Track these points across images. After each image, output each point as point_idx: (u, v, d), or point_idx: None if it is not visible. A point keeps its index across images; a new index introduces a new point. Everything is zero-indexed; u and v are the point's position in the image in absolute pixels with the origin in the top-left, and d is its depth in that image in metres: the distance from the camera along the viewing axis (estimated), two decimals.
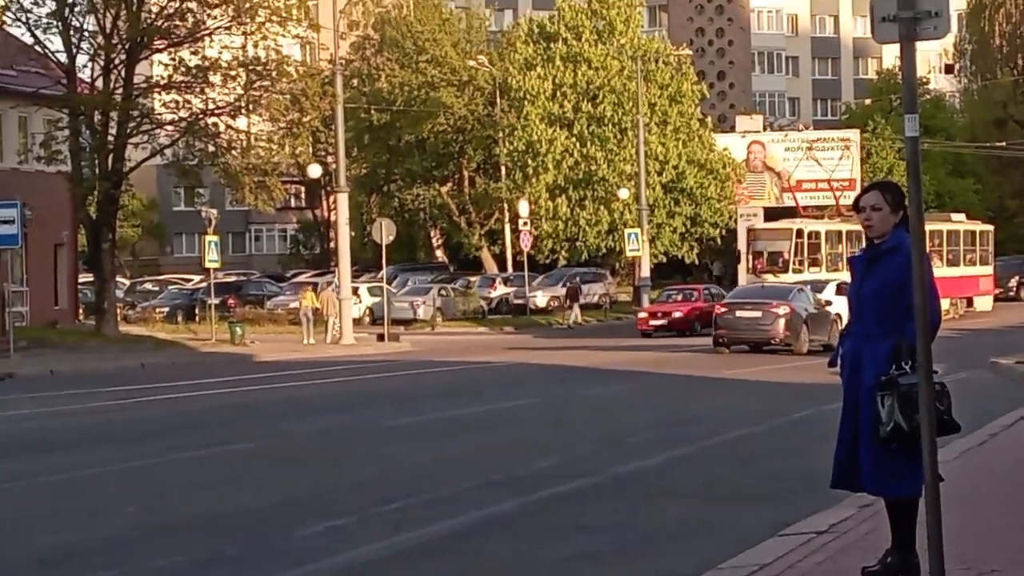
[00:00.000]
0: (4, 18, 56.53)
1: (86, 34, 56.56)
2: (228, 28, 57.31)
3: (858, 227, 46.29)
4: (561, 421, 26.36)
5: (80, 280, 63.31)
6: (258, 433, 24.11)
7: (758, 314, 45.39)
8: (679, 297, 63.75)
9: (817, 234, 63.17)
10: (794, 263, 60.54)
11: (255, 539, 13.48)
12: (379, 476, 18.20)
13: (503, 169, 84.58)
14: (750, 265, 63.13)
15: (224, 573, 11.77)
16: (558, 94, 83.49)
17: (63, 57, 56.19)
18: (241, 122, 59.96)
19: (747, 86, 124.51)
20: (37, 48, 56.48)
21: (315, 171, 72.93)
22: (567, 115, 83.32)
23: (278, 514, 14.98)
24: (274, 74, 58.01)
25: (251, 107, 59.08)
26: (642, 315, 62.67)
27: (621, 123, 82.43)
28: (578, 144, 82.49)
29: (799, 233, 62.21)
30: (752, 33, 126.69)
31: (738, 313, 46.34)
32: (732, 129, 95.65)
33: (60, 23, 55.80)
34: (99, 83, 56.23)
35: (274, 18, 56.91)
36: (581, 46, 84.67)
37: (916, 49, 9.60)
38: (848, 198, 76.07)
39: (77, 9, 56.00)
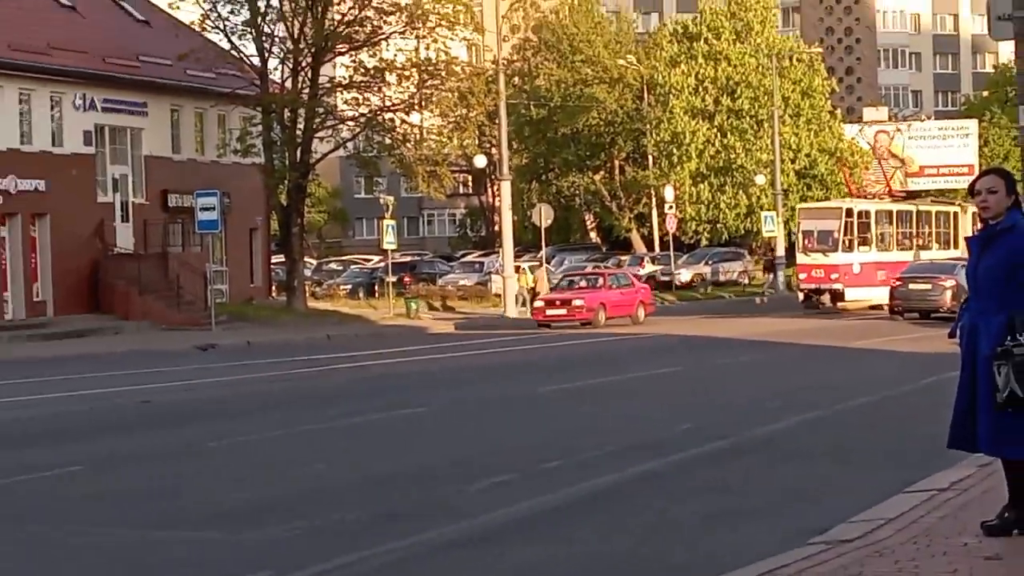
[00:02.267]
0: (204, 26, 57.37)
1: (276, 39, 57.29)
2: (402, 33, 57.82)
3: (909, 207, 50.43)
4: (698, 388, 26.08)
5: (272, 260, 63.98)
6: (431, 398, 24.22)
7: (928, 287, 46.45)
8: (583, 283, 53.26)
9: (867, 213, 58.18)
10: (844, 242, 55.82)
11: (431, 494, 13.58)
12: (538, 438, 18.24)
13: (650, 158, 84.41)
14: (801, 244, 58.70)
15: (403, 526, 11.82)
16: (700, 89, 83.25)
17: (256, 60, 56.95)
18: (414, 117, 60.39)
19: (873, 80, 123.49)
20: (233, 53, 57.20)
21: (481, 161, 73.28)
22: (708, 108, 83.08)
23: (450, 472, 15.09)
24: (443, 74, 58.44)
25: (423, 104, 59.51)
26: (538, 304, 51.82)
27: (757, 115, 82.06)
28: (718, 135, 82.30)
29: (848, 212, 57.23)
30: (878, 31, 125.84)
31: (911, 286, 47.51)
32: (859, 120, 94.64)
33: (253, 30, 56.61)
34: (288, 83, 56.95)
35: (444, 23, 57.35)
36: (721, 45, 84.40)
37: None
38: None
39: (268, 17, 56.80)
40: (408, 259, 77.76)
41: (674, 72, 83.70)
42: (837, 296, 54.67)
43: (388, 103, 58.28)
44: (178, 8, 58.10)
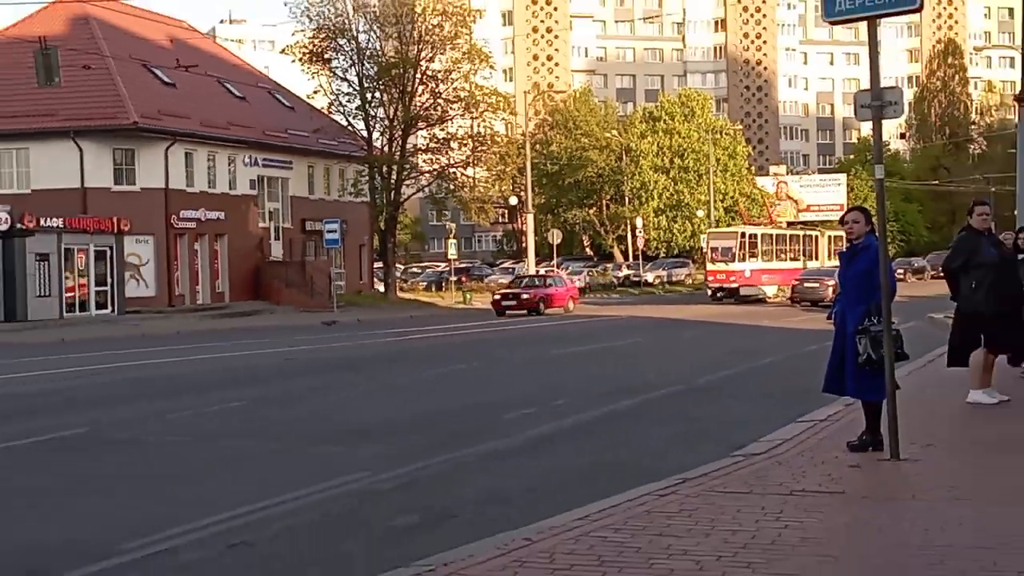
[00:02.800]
0: (330, 110, 57.70)
1: (378, 119, 57.50)
2: (461, 115, 57.92)
3: (784, 231, 49.36)
4: (659, 352, 26.02)
5: (374, 265, 64.13)
6: (479, 358, 24.14)
7: (817, 284, 45.98)
8: (527, 283, 48.78)
9: (755, 235, 55.46)
10: (739, 255, 53.06)
11: (478, 422, 13.54)
12: (550, 384, 18.08)
13: (626, 199, 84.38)
14: (709, 256, 55.50)
15: (461, 442, 11.84)
16: (660, 153, 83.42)
17: (364, 133, 57.19)
18: (469, 171, 60.47)
19: (776, 148, 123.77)
20: (349, 128, 57.41)
21: (513, 200, 73.45)
22: (665, 166, 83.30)
23: (490, 407, 15.01)
24: (489, 142, 58.64)
25: (475, 162, 59.66)
26: (496, 297, 47.50)
27: (698, 170, 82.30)
28: (672, 183, 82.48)
29: (743, 235, 54.66)
30: (780, 115, 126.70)
31: (805, 284, 47.35)
32: (767, 173, 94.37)
33: (363, 113, 56.95)
34: (386, 148, 57.14)
35: (489, 109, 57.55)
36: (674, 124, 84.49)
37: (882, 124, 9.46)
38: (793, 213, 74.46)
39: (372, 104, 57.05)
40: (464, 265, 77.71)
41: (643, 142, 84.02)
42: (733, 292, 53.13)
43: (451, 162, 58.56)
44: (313, 98, 58.48)
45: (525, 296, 46.26)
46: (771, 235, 57.96)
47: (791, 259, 57.91)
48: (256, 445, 12.12)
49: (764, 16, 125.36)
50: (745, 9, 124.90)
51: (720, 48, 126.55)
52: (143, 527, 7.89)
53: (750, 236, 55.21)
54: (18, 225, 40.53)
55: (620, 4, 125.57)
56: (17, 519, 8.57)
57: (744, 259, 53.58)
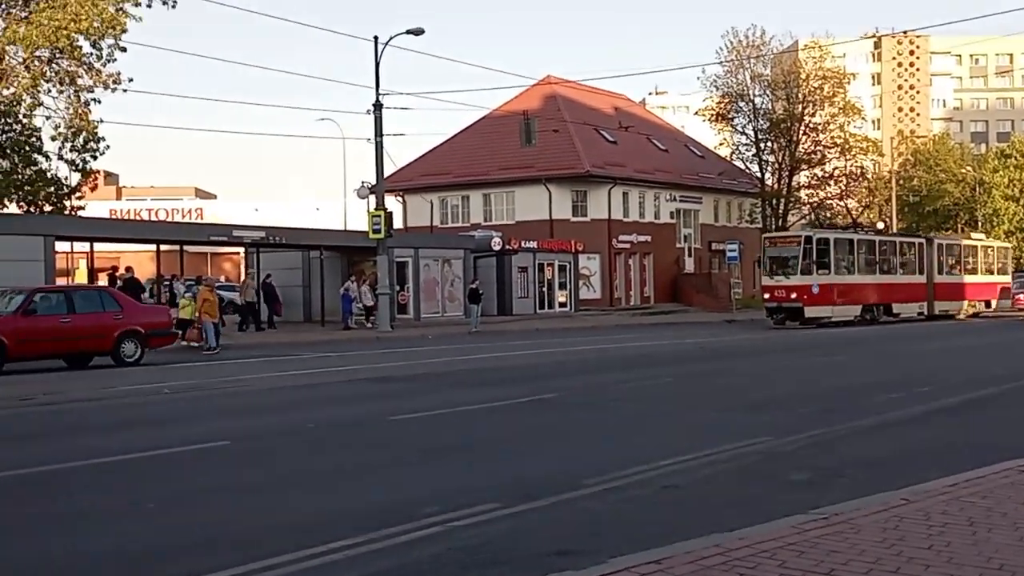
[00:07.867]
0: (732, 158, 56.93)
1: (768, 163, 55.90)
2: (837, 157, 55.32)
3: (871, 238, 33.51)
4: (1006, 350, 23.35)
5: None
6: (854, 349, 22.68)
7: None
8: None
9: (826, 240, 34.88)
10: (802, 266, 33.79)
11: (851, 402, 12.70)
12: (912, 373, 16.72)
13: (979, 223, 76.77)
14: (767, 269, 35.56)
15: (834, 417, 11.21)
16: (1011, 184, 75.15)
17: (758, 174, 55.75)
18: (843, 202, 57.53)
19: None
20: (746, 170, 56.35)
21: (880, 225, 68.83)
22: (1016, 195, 74.89)
23: (863, 390, 14.05)
24: (860, 179, 55.75)
25: (848, 195, 56.76)
26: None
27: None
28: (1022, 210, 74.02)
29: (807, 240, 34.32)
30: None
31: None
32: None
33: (757, 158, 55.62)
34: (774, 185, 55.41)
35: (861, 152, 54.90)
36: None
37: None
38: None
39: (764, 151, 55.58)
40: None
41: (995, 175, 76.02)
42: (795, 313, 34.79)
43: (828, 195, 56.13)
44: (718, 148, 57.95)
45: None
46: (848, 241, 36.55)
47: (881, 272, 37.62)
48: (683, 411, 12.08)
49: None
50: None
51: None
52: (602, 469, 8.10)
53: (818, 242, 34.74)
54: (507, 247, 43.18)
55: (975, 63, 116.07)
56: (516, 457, 9.08)
57: (809, 271, 34.16)
